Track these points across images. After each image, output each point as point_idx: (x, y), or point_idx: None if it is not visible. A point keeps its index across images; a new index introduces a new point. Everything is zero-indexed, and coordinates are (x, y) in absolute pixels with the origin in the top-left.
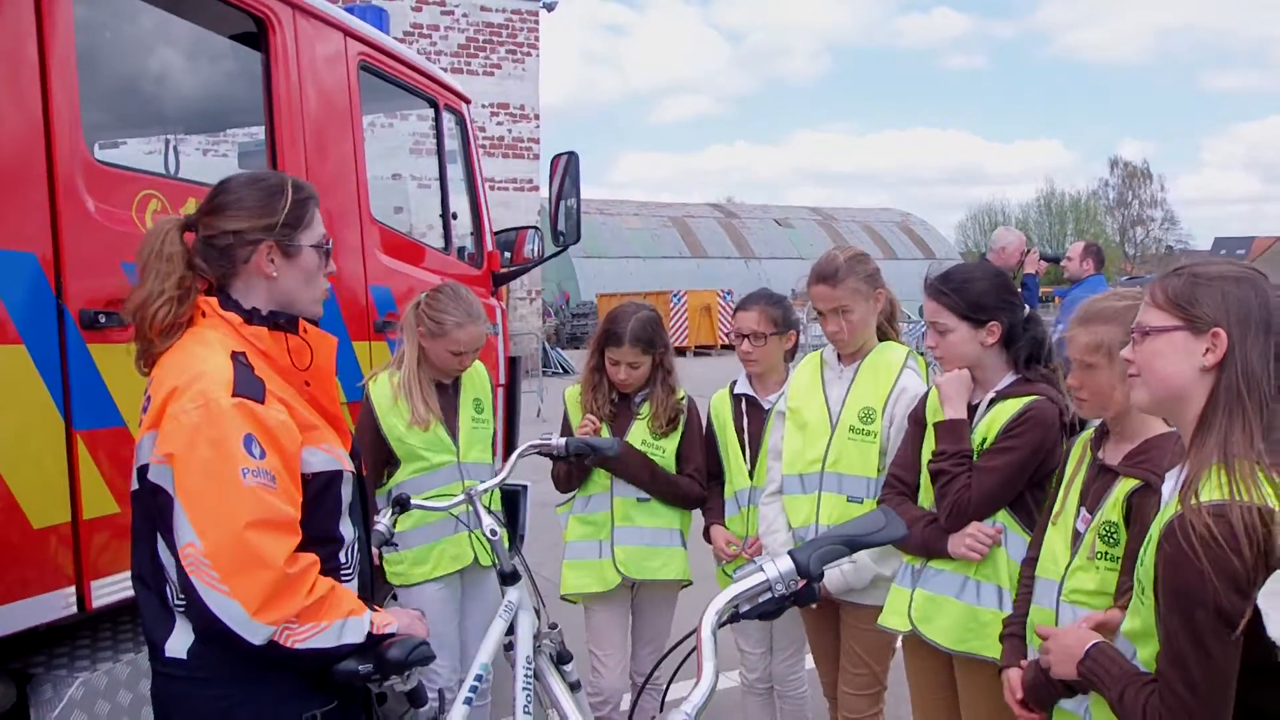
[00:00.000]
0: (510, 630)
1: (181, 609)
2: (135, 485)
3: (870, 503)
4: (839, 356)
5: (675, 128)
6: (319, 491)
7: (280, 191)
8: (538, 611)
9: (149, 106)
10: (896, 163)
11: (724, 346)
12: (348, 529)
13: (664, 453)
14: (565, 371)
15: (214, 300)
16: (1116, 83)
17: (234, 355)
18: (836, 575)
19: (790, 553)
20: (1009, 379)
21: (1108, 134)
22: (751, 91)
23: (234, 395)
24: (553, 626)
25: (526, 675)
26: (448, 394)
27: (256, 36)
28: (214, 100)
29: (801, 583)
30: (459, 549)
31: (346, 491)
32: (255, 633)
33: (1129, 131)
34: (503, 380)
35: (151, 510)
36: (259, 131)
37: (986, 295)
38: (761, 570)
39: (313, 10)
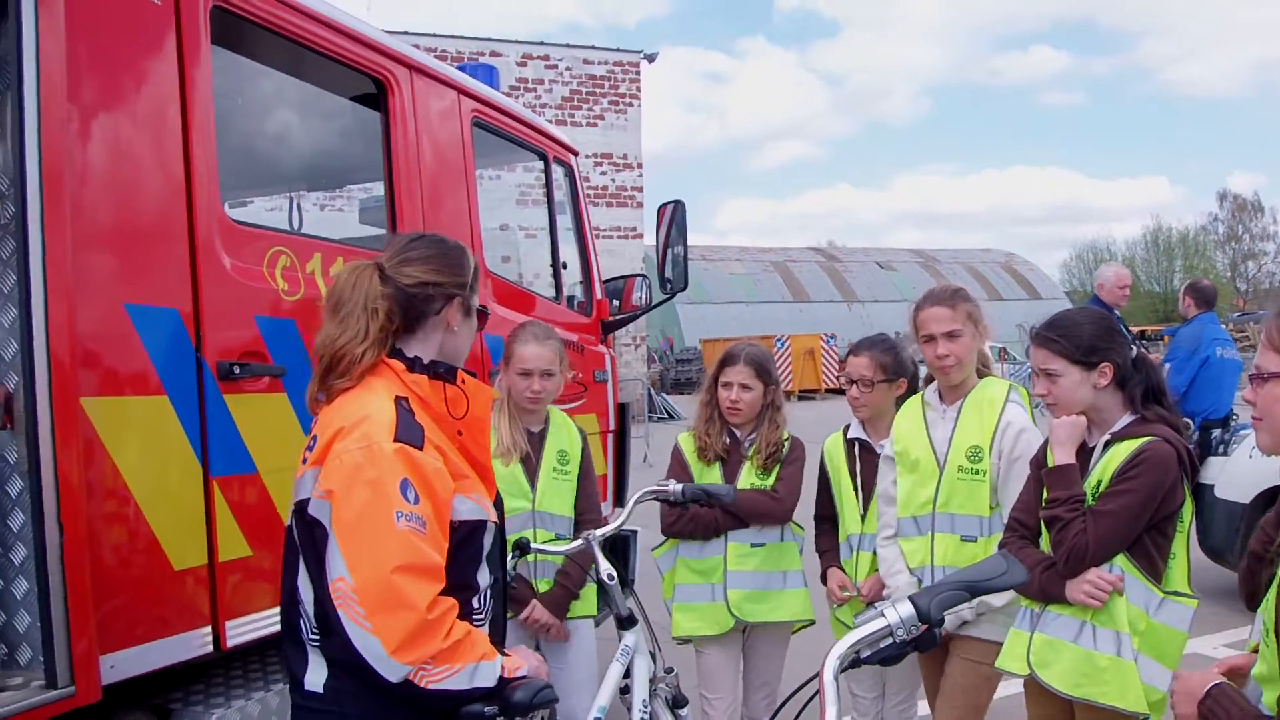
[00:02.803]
0: (627, 674)
1: (315, 643)
2: (290, 520)
3: (985, 541)
4: (940, 396)
5: (775, 173)
6: (463, 539)
7: (466, 254)
8: (653, 655)
9: (273, 165)
10: (998, 202)
11: (829, 390)
12: (484, 576)
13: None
14: (670, 417)
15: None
16: (1220, 116)
17: (397, 400)
18: None
19: (911, 598)
20: (1126, 420)
21: (1214, 167)
22: (851, 135)
23: (395, 440)
24: (668, 670)
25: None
26: (533, 440)
27: (376, 97)
28: (333, 158)
29: (923, 628)
30: None
31: (488, 540)
32: (392, 671)
33: (1236, 164)
34: (612, 426)
35: (304, 543)
36: (374, 187)
37: (1096, 337)
38: (883, 615)
39: (429, 70)
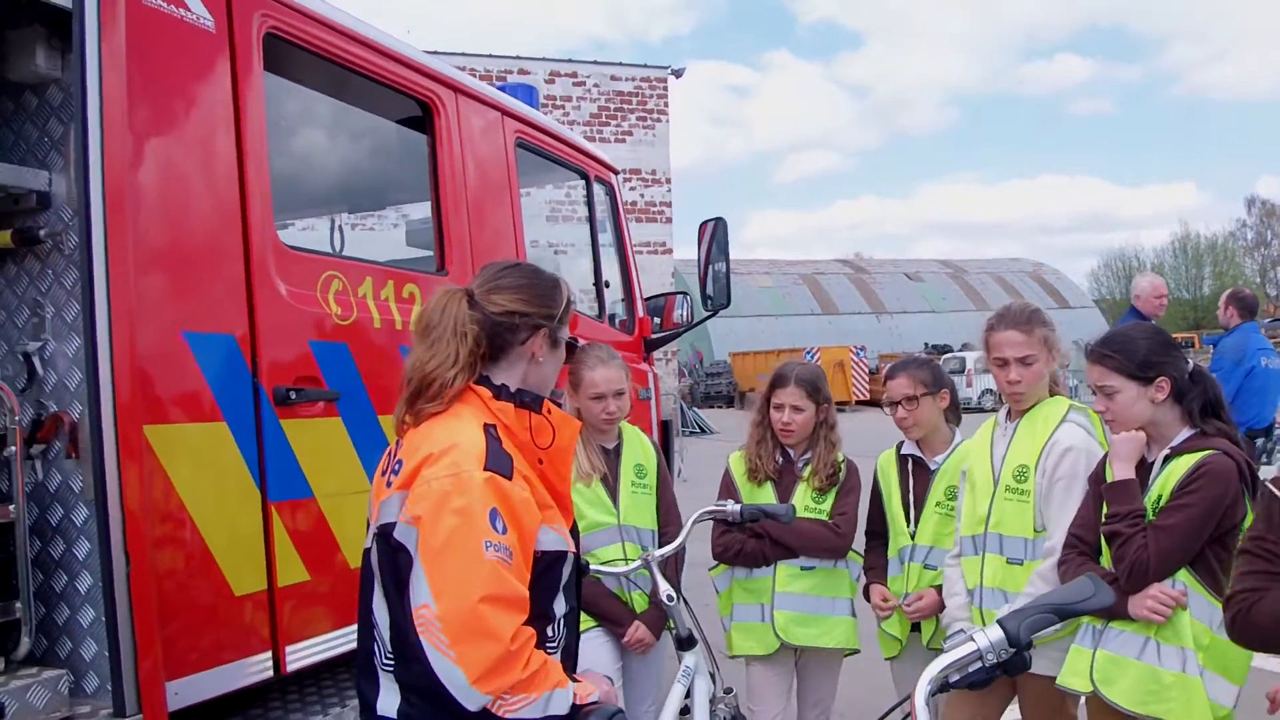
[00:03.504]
0: (687, 694)
1: (389, 669)
2: (369, 544)
3: (1030, 564)
4: (1008, 413)
5: (802, 185)
6: (545, 570)
7: (559, 287)
8: (712, 676)
9: (321, 189)
10: (1025, 212)
11: (859, 403)
12: (560, 605)
13: (823, 515)
14: (702, 431)
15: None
16: (1249, 120)
17: (486, 428)
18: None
19: (1000, 621)
20: (1185, 434)
21: (1243, 173)
22: (876, 145)
23: (485, 469)
24: (727, 691)
25: None
26: (609, 457)
27: (421, 120)
28: (379, 180)
29: (1012, 651)
30: None
31: (566, 571)
32: (472, 700)
33: (1265, 169)
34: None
35: (384, 567)
36: (417, 208)
37: (1152, 351)
38: (972, 640)
39: (473, 92)
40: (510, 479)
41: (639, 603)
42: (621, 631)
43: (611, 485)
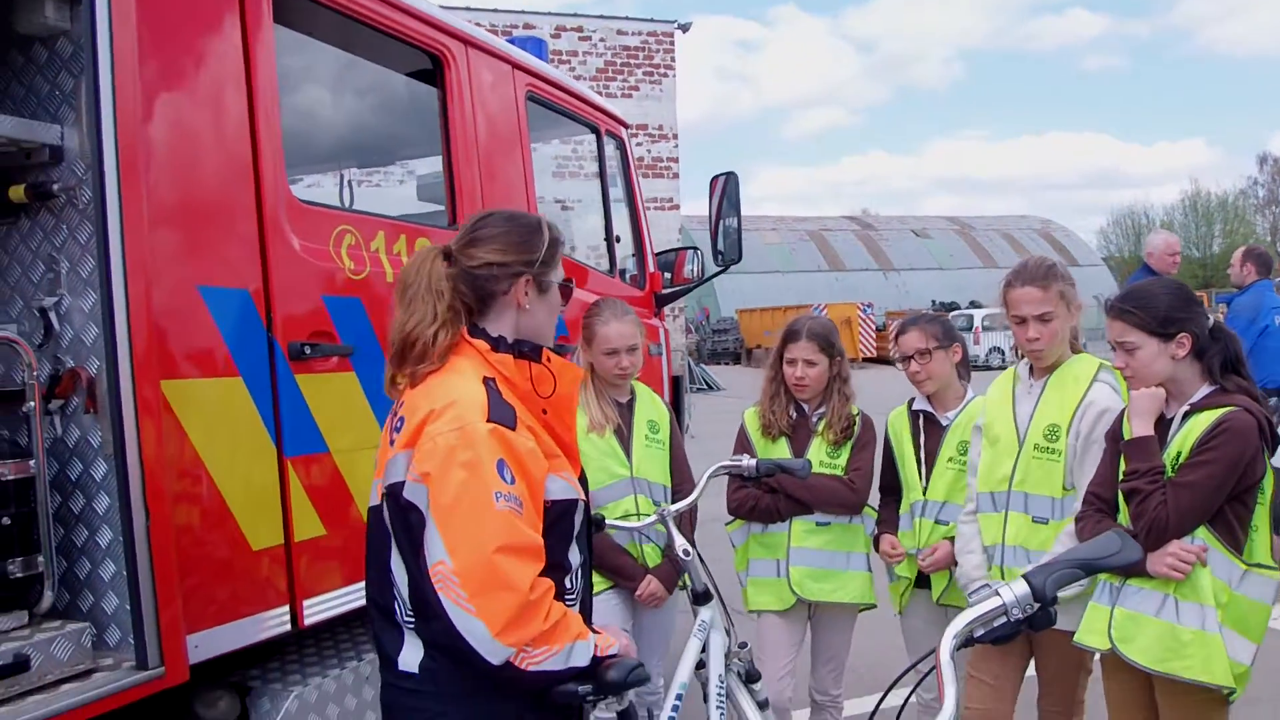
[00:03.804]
0: (703, 649)
1: (411, 625)
2: (376, 501)
3: (1056, 524)
4: (1030, 370)
5: (809, 140)
6: (556, 519)
7: (539, 230)
8: (727, 631)
9: (332, 143)
10: (1034, 168)
11: (866, 359)
12: (575, 556)
13: (838, 469)
14: (709, 387)
15: (462, 328)
16: (1261, 76)
17: (485, 381)
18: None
19: (1025, 576)
20: (1204, 391)
21: (1254, 130)
22: (884, 101)
23: (488, 420)
24: (742, 645)
25: (720, 694)
26: (622, 411)
27: (432, 73)
28: (390, 134)
29: (1037, 606)
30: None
31: (578, 519)
32: (495, 653)
33: (1278, 126)
34: (667, 400)
35: (397, 526)
36: (428, 162)
37: (1173, 307)
38: (998, 594)
39: (484, 45)
40: (514, 429)
41: (651, 557)
42: (633, 586)
43: (625, 437)
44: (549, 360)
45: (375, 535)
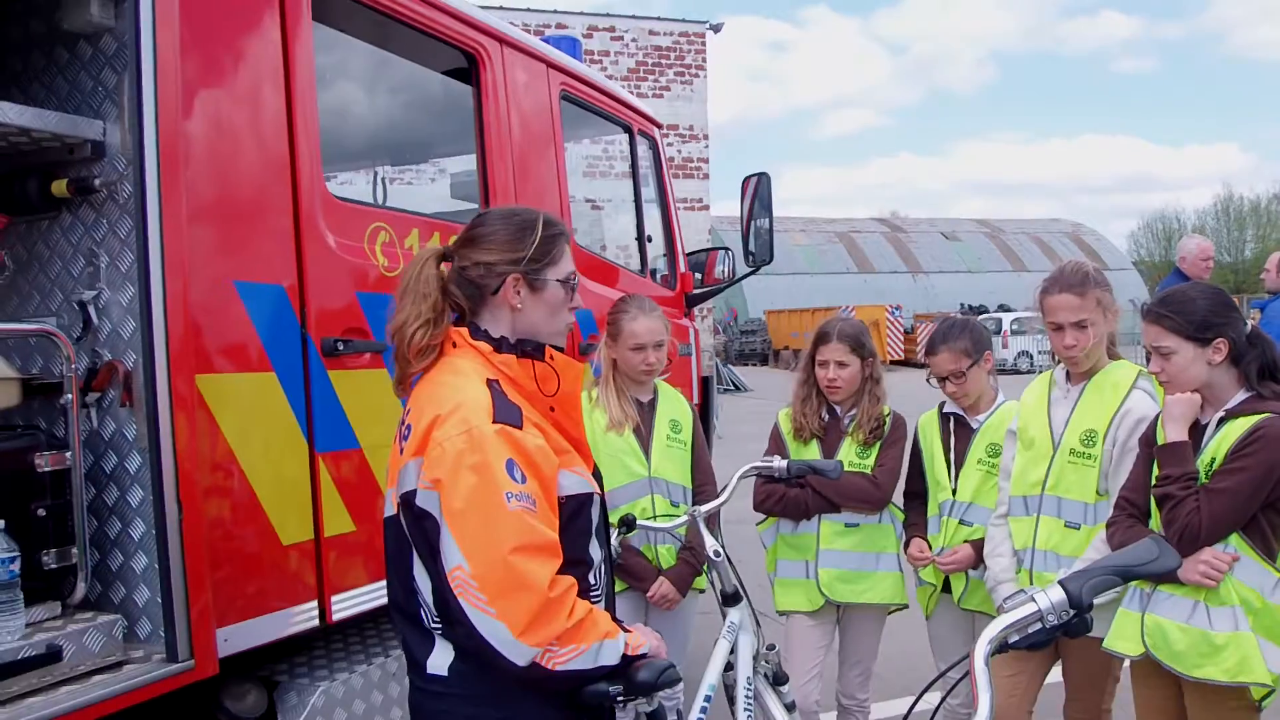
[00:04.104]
0: (732, 650)
1: (439, 630)
2: (391, 511)
3: (1088, 529)
4: (1068, 375)
5: (838, 142)
6: (572, 514)
7: (530, 227)
8: (755, 633)
9: (367, 141)
10: (1065, 171)
11: (894, 362)
12: (596, 550)
13: (868, 470)
14: (737, 389)
15: (464, 330)
16: None
17: (489, 383)
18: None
19: (1062, 583)
20: (1240, 397)
21: None
22: (914, 103)
23: (495, 422)
24: (770, 647)
25: (747, 696)
26: (643, 410)
27: (467, 71)
28: (424, 132)
29: (1073, 613)
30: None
31: (595, 513)
32: (520, 654)
33: None
34: (696, 400)
35: (414, 535)
36: (463, 160)
37: (1211, 312)
38: (1033, 600)
39: (519, 44)
40: (521, 428)
41: (665, 558)
42: (645, 587)
43: (644, 436)
44: (552, 358)
45: (395, 544)
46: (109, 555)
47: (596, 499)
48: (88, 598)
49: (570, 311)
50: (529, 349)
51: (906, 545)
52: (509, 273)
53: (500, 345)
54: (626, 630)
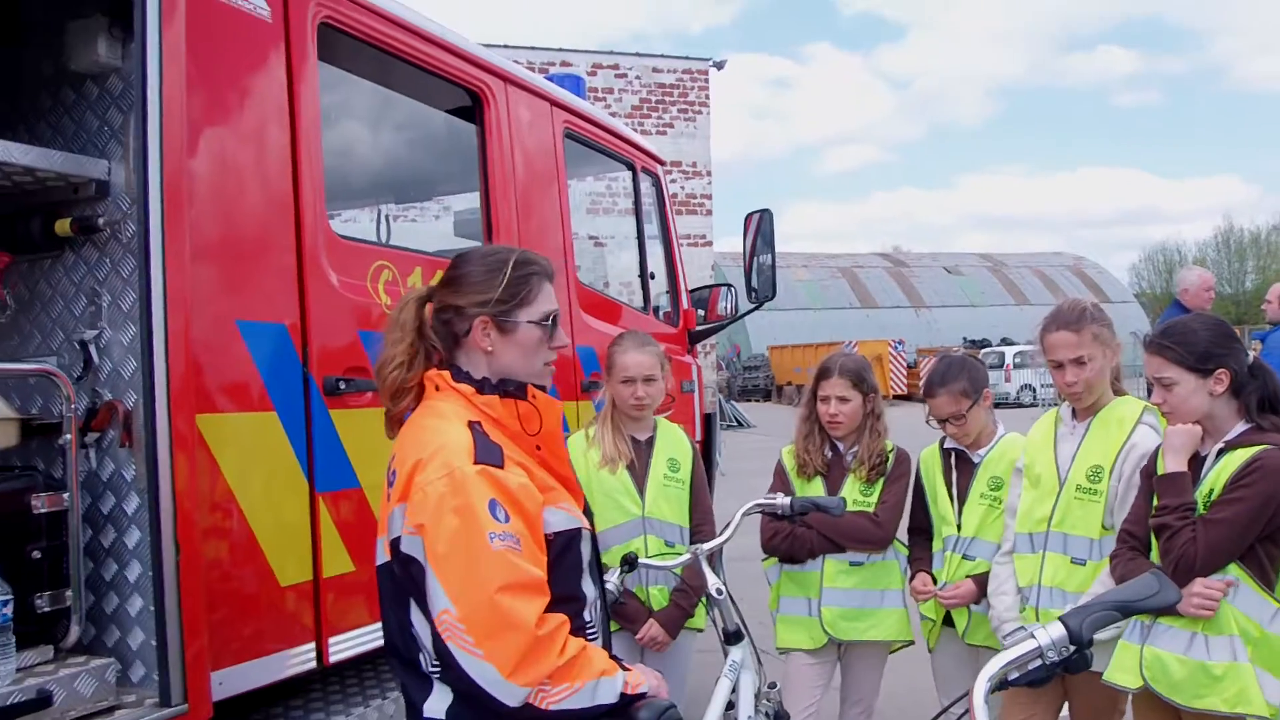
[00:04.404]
0: (734, 689)
1: (437, 674)
2: (385, 558)
3: (1094, 565)
4: (1074, 412)
5: (841, 177)
6: (561, 550)
7: (499, 269)
8: (757, 672)
9: (371, 179)
10: (1067, 205)
11: (897, 397)
12: (589, 587)
13: (870, 507)
14: (739, 425)
15: (447, 374)
16: None
17: (471, 425)
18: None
19: (1062, 619)
20: (1240, 428)
21: None
22: (916, 138)
23: (476, 463)
24: (771, 686)
25: None
26: (640, 448)
27: (471, 110)
28: (428, 170)
29: (1073, 649)
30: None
31: (586, 549)
32: (511, 695)
33: None
34: (698, 437)
35: (403, 581)
36: (467, 198)
37: (1212, 343)
38: (1033, 637)
39: (523, 83)
40: (503, 468)
41: (656, 599)
42: (634, 629)
43: (640, 474)
44: (534, 397)
45: (391, 590)
46: (104, 598)
47: (586, 534)
48: (81, 641)
49: (551, 350)
50: (511, 389)
51: (912, 579)
52: (476, 315)
53: (482, 387)
54: (626, 669)
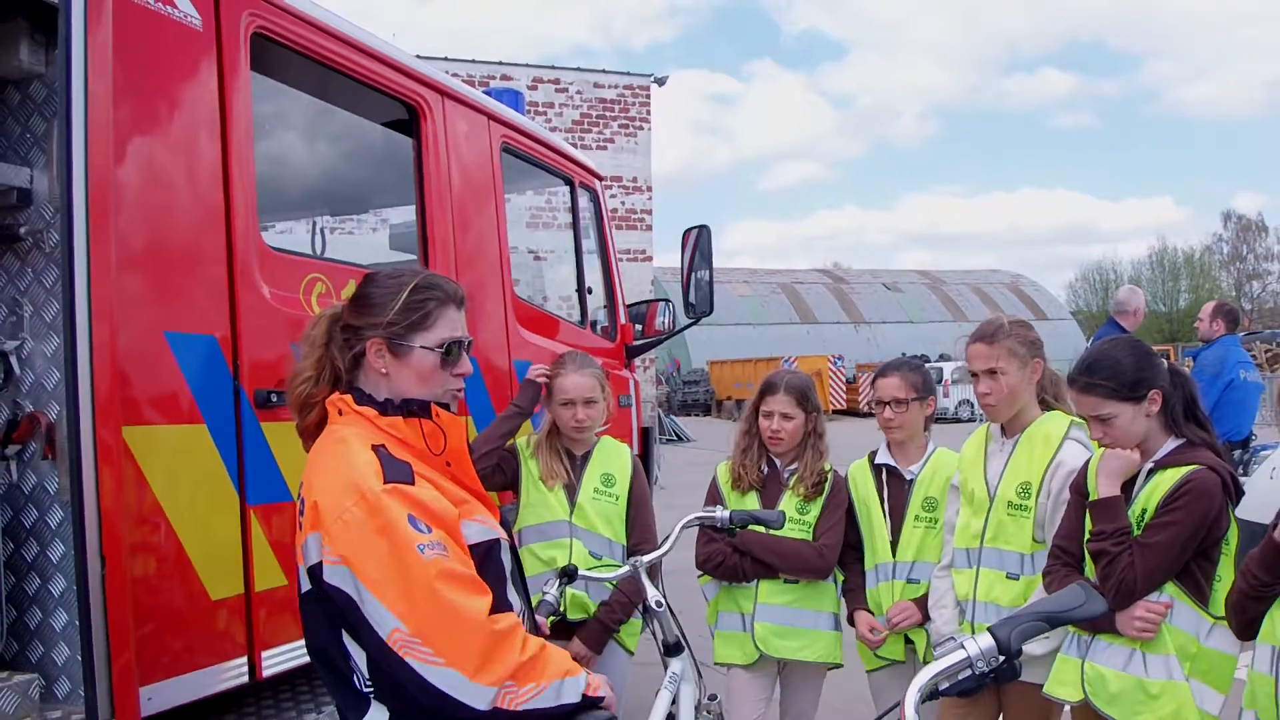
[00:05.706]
0: (674, 700)
1: (371, 692)
2: (307, 586)
3: (1027, 579)
4: (1003, 429)
5: (783, 194)
6: (482, 561)
7: (396, 292)
8: (697, 683)
9: (305, 191)
10: (1005, 224)
11: (836, 412)
12: (514, 598)
13: (806, 527)
14: (679, 439)
15: (349, 398)
16: (1227, 136)
17: (375, 448)
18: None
19: (991, 629)
20: (1169, 446)
21: (1220, 188)
22: (858, 156)
23: (385, 482)
24: (712, 698)
25: None
26: (576, 465)
27: (407, 123)
28: (363, 183)
29: (1002, 659)
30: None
31: (507, 559)
32: (479, 697)
33: (1242, 185)
34: (636, 450)
35: (330, 610)
36: (403, 211)
37: (1139, 368)
38: (962, 648)
39: (460, 96)
40: (413, 484)
41: (572, 609)
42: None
43: (573, 489)
44: (438, 415)
45: (318, 618)
46: (27, 612)
47: (505, 544)
48: (3, 656)
49: (454, 378)
50: (414, 408)
51: (850, 617)
52: (370, 337)
53: (385, 409)
54: (586, 671)
